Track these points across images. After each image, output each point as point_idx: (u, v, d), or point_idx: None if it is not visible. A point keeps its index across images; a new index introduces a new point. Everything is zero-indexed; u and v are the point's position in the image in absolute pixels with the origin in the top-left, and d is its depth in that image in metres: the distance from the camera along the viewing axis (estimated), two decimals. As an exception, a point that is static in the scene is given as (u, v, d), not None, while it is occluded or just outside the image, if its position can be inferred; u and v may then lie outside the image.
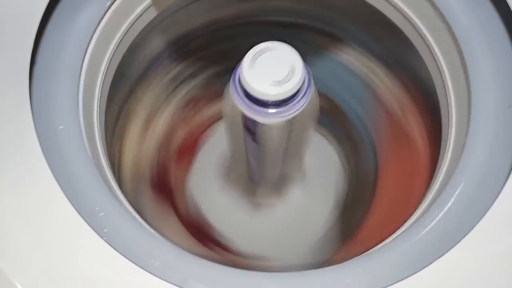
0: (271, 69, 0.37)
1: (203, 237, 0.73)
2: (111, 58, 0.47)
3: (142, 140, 0.68)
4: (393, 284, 0.33)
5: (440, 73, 0.47)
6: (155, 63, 0.63)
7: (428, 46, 0.48)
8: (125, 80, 0.58)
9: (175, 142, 0.75)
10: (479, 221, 0.35)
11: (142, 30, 0.51)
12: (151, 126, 0.70)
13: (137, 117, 0.67)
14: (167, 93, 0.70)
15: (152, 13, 0.51)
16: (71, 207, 0.35)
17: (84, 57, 0.43)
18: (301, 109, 0.39)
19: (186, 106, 0.74)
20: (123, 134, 0.64)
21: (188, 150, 0.78)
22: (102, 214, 0.37)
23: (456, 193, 0.38)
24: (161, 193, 0.70)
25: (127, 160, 0.65)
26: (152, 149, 0.71)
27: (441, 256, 0.34)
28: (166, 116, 0.72)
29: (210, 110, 0.78)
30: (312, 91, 0.39)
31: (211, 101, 0.76)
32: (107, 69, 0.47)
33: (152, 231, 0.39)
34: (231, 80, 0.39)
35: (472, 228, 0.35)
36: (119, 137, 0.63)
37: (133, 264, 0.34)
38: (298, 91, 0.38)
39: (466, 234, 0.34)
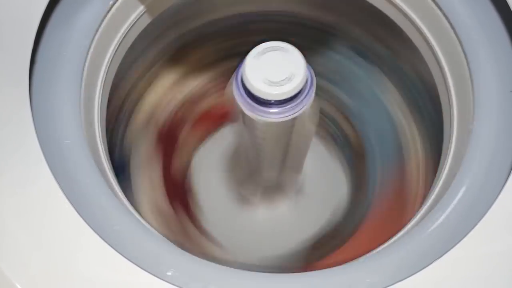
0: (274, 69, 0.37)
1: (176, 196, 0.73)
2: (112, 57, 0.47)
3: (170, 91, 0.68)
4: (393, 284, 0.33)
5: (441, 70, 0.47)
6: (216, 24, 0.62)
7: (429, 45, 0.48)
8: (178, 29, 0.58)
9: (204, 105, 0.75)
10: (479, 221, 0.35)
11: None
12: (187, 80, 0.70)
13: (178, 67, 0.66)
14: (216, 58, 0.70)
15: (155, 11, 0.51)
16: (71, 207, 0.35)
17: (86, 57, 0.43)
18: (303, 110, 0.39)
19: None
20: (155, 77, 0.65)
21: (213, 118, 0.77)
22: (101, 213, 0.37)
23: (459, 194, 0.38)
24: (163, 142, 0.70)
25: (145, 104, 0.66)
26: (177, 100, 0.70)
27: (441, 256, 0.34)
28: (205, 78, 0.72)
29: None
30: (314, 91, 0.39)
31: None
32: (107, 70, 0.47)
33: (156, 233, 0.39)
34: (233, 79, 0.39)
35: (472, 228, 0.35)
36: (149, 80, 0.64)
37: (133, 264, 0.34)
38: (300, 91, 0.38)
39: (466, 234, 0.34)
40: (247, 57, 0.37)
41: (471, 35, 0.43)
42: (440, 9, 0.45)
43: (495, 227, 0.35)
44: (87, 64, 0.43)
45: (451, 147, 0.44)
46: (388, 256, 0.36)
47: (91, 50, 0.44)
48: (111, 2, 0.45)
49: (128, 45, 0.50)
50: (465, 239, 0.34)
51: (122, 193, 0.42)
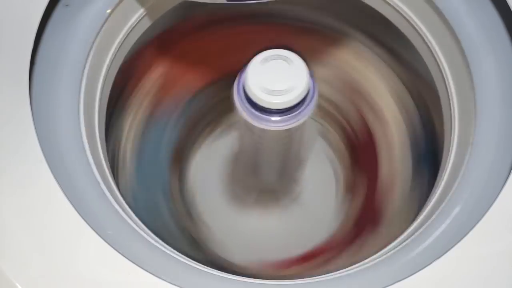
0: (276, 77, 0.37)
1: None
2: (114, 57, 0.47)
3: None
4: (393, 284, 0.33)
5: (442, 74, 0.47)
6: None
7: (429, 47, 0.48)
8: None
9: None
10: (479, 221, 0.35)
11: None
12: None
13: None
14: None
15: (159, 10, 0.51)
16: (71, 207, 0.35)
17: (87, 57, 0.43)
18: (305, 118, 0.39)
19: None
20: None
21: None
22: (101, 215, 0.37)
23: (462, 201, 0.38)
24: None
25: None
26: None
27: (441, 256, 0.34)
28: None
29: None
30: (316, 99, 0.39)
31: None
32: (109, 69, 0.47)
33: (152, 238, 0.39)
34: (234, 87, 0.39)
35: (472, 228, 0.35)
36: None
37: (134, 264, 0.34)
38: (303, 99, 0.38)
39: (466, 234, 0.34)
40: (250, 64, 0.37)
41: (475, 43, 0.43)
42: (446, 19, 0.44)
43: (495, 227, 0.35)
44: (87, 64, 0.43)
45: (451, 152, 0.44)
46: (390, 257, 0.36)
47: (92, 50, 0.44)
48: (115, 2, 0.45)
49: (130, 45, 0.50)
50: (465, 239, 0.34)
51: (120, 192, 0.42)
